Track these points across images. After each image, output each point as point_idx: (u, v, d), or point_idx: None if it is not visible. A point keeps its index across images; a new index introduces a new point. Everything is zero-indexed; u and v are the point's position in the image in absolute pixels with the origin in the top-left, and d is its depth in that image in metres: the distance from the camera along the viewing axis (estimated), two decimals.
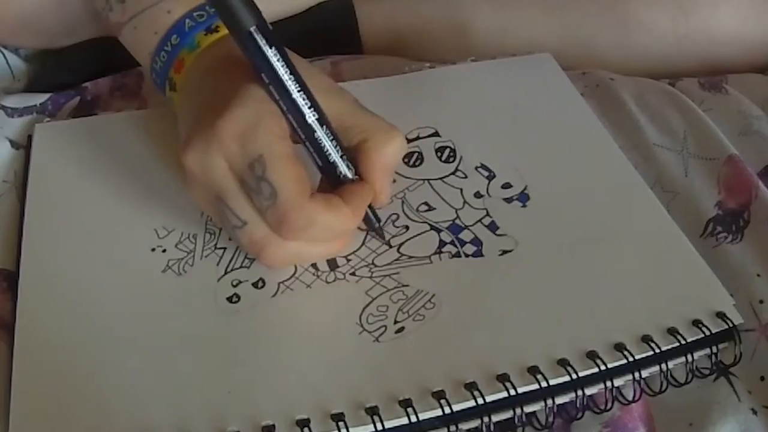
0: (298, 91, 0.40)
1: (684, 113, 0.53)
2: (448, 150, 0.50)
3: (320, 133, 0.41)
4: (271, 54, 0.39)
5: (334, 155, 0.41)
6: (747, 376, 0.41)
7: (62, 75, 0.60)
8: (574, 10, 0.61)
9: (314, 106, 0.40)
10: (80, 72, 0.59)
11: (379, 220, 0.45)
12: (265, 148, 0.38)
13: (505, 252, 0.44)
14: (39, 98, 0.55)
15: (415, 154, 0.50)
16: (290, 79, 0.39)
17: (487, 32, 0.62)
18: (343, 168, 0.42)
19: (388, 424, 0.37)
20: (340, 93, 0.43)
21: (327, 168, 0.42)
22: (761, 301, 0.43)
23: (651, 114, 0.53)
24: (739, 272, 0.44)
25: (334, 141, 0.41)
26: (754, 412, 0.40)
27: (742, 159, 0.49)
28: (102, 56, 0.61)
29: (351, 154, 0.42)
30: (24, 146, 0.51)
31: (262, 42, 0.39)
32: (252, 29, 0.38)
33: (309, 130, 0.40)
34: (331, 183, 0.42)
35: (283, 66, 0.39)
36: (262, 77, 0.39)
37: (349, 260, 0.44)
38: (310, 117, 0.40)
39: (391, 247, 0.45)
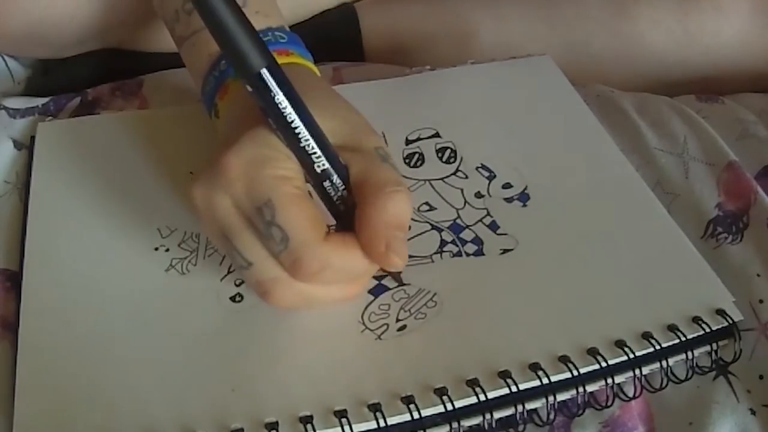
0: (306, 141, 0.37)
1: (684, 119, 0.53)
2: (448, 151, 0.50)
3: (329, 183, 0.38)
4: (281, 98, 0.36)
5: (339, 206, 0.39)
6: (746, 376, 0.41)
7: (63, 82, 0.60)
8: (580, 29, 0.62)
9: (326, 153, 0.38)
10: (81, 79, 0.59)
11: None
12: (272, 192, 0.36)
13: (505, 251, 0.44)
14: (41, 99, 0.55)
15: (416, 155, 0.50)
16: (299, 125, 0.37)
17: (491, 45, 0.62)
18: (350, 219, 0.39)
19: (391, 421, 0.37)
20: (366, 139, 0.40)
21: (337, 214, 0.40)
22: (761, 301, 0.43)
23: (651, 120, 0.53)
24: (739, 272, 0.45)
25: (344, 188, 0.39)
26: (753, 413, 0.40)
27: (741, 162, 0.49)
28: (104, 65, 0.61)
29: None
30: (27, 146, 0.51)
31: (271, 85, 0.36)
32: (262, 71, 0.36)
33: (317, 177, 0.38)
34: (344, 226, 0.40)
35: (291, 112, 0.37)
36: (269, 122, 0.37)
37: None
38: (320, 166, 0.38)
39: None
